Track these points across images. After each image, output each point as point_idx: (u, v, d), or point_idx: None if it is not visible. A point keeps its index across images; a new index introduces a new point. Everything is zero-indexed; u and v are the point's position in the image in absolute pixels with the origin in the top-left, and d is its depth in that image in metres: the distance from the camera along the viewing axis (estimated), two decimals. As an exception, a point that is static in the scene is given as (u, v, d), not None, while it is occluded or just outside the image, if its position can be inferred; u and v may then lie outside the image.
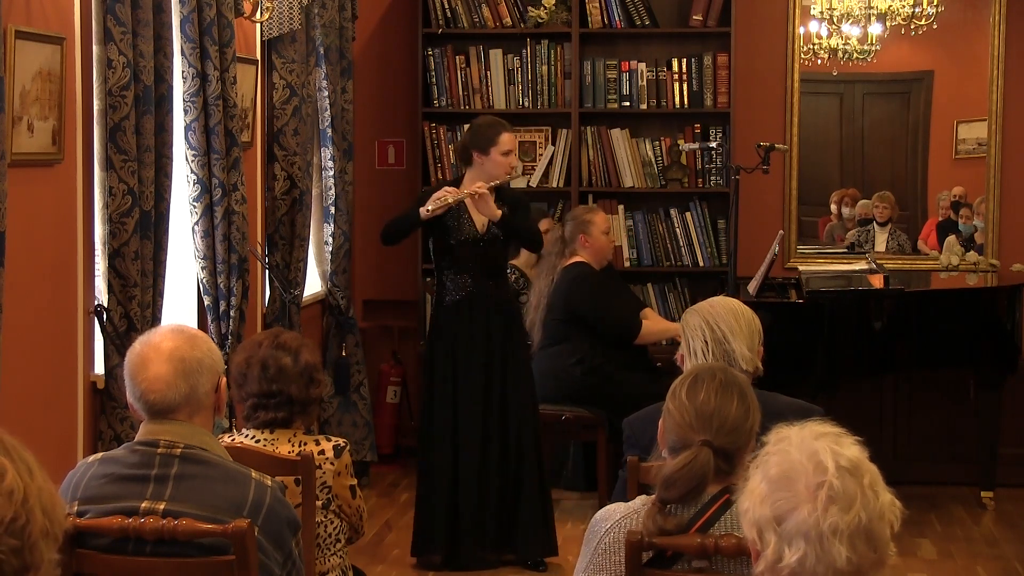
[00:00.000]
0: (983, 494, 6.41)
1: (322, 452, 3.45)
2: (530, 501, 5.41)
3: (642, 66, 6.95)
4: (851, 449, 1.85)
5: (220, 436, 3.32)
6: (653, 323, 6.31)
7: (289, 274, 5.85)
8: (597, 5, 6.90)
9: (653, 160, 7.00)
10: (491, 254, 5.38)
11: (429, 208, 5.22)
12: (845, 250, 7.20)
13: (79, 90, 4.12)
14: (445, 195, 5.23)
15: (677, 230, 7.01)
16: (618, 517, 2.59)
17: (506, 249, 5.54)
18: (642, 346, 6.32)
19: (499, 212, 5.26)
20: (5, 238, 3.47)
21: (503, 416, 5.38)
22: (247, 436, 3.48)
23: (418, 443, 5.57)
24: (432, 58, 6.98)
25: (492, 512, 5.37)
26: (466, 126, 5.69)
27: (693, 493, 2.52)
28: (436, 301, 5.49)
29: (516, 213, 5.37)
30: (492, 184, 5.29)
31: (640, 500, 2.61)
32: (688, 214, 6.99)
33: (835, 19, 6.98)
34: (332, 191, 6.37)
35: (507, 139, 5.33)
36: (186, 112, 4.70)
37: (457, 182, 5.43)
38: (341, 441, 3.52)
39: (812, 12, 7.00)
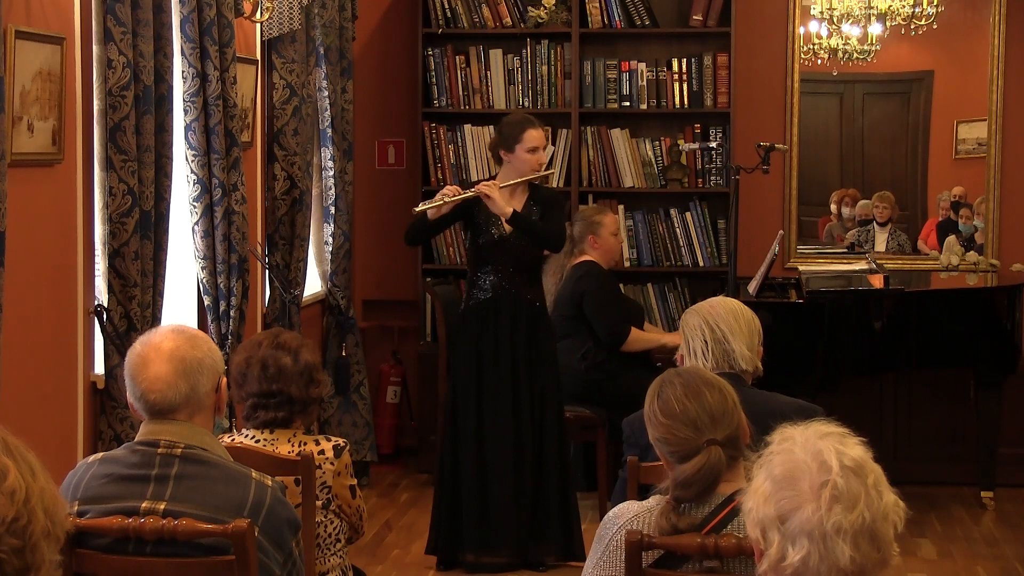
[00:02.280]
0: (983, 494, 6.41)
1: (322, 452, 3.45)
2: (548, 506, 5.39)
3: (642, 66, 6.95)
4: (855, 449, 1.85)
5: (220, 436, 3.32)
6: (641, 332, 6.29)
7: (289, 274, 5.85)
8: (597, 5, 6.90)
9: (653, 160, 7.00)
10: (518, 253, 5.34)
11: (418, 208, 5.24)
12: (845, 250, 7.20)
13: (79, 90, 4.12)
14: (444, 194, 5.21)
15: (677, 230, 7.01)
16: (631, 515, 2.60)
17: (534, 248, 5.46)
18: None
19: (509, 209, 5.22)
20: (5, 238, 3.46)
21: (531, 418, 5.35)
22: (247, 436, 3.48)
23: (442, 444, 5.54)
24: (432, 58, 6.98)
25: (526, 515, 5.34)
26: (488, 126, 5.66)
27: (708, 490, 2.55)
28: (464, 300, 5.47)
29: (548, 212, 5.34)
30: (515, 182, 5.27)
31: (654, 499, 2.63)
32: (688, 214, 6.99)
33: (835, 19, 6.98)
34: (332, 191, 6.37)
35: (532, 136, 5.29)
36: (186, 112, 4.69)
37: (491, 180, 5.43)
38: (341, 441, 3.51)
39: (812, 12, 7.00)
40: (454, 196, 5.20)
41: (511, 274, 5.33)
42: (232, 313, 4.91)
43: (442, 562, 5.39)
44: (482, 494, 5.33)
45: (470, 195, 5.22)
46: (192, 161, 4.74)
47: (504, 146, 5.33)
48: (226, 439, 3.41)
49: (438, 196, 5.25)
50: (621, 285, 6.89)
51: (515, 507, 5.33)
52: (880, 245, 7.13)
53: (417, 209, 5.22)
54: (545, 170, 5.46)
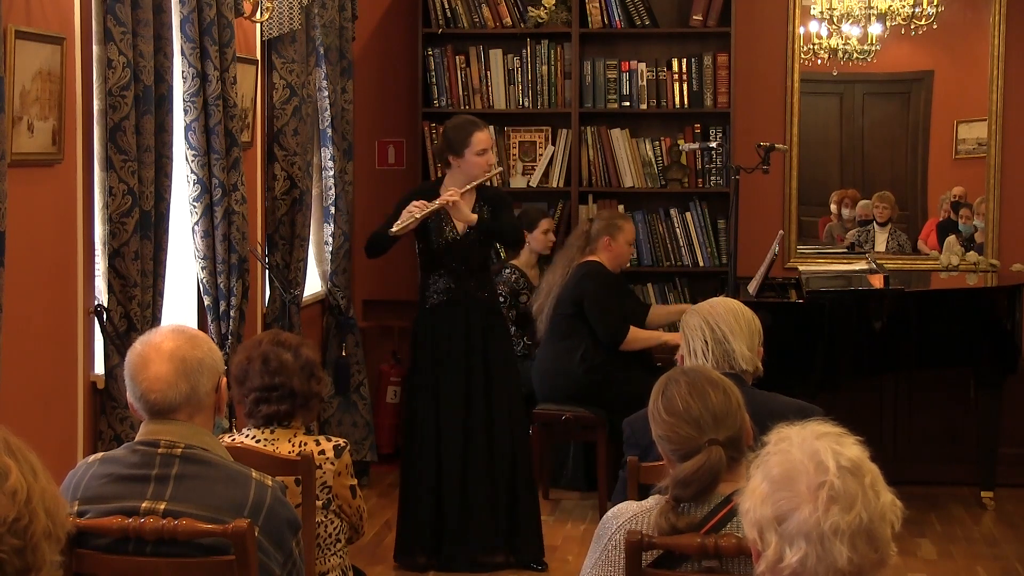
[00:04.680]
0: (983, 494, 6.41)
1: (322, 452, 3.45)
2: (527, 504, 5.41)
3: (642, 66, 6.95)
4: (852, 449, 1.85)
5: (220, 436, 3.33)
6: (639, 331, 6.28)
7: (289, 274, 5.85)
8: (597, 5, 6.90)
9: (653, 160, 7.00)
10: (472, 256, 5.33)
11: (393, 230, 5.19)
12: (845, 250, 7.20)
13: (79, 90, 4.12)
14: (412, 211, 5.17)
15: (677, 230, 7.01)
16: (629, 515, 2.61)
17: (487, 250, 5.51)
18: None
19: (474, 217, 5.23)
20: (5, 238, 3.46)
21: (488, 418, 5.36)
22: (247, 436, 3.48)
23: (402, 447, 5.55)
24: (432, 58, 6.98)
25: (480, 515, 5.35)
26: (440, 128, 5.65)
27: (706, 490, 2.56)
28: (419, 304, 5.47)
29: (498, 212, 5.34)
30: (469, 187, 5.26)
31: (653, 499, 2.63)
32: (688, 214, 7.00)
33: (835, 19, 6.99)
34: (332, 191, 6.37)
35: (480, 138, 5.27)
36: (186, 112, 4.70)
37: (437, 184, 5.42)
38: (341, 441, 3.52)
39: (812, 12, 7.00)
40: (423, 210, 5.18)
41: (464, 276, 5.34)
42: (232, 313, 4.91)
43: (429, 564, 5.39)
44: (439, 497, 5.34)
45: (436, 207, 5.20)
46: (192, 161, 4.74)
47: (452, 151, 5.31)
48: (226, 439, 3.42)
49: (405, 213, 5.20)
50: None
51: (469, 510, 5.34)
52: (880, 245, 7.13)
53: (394, 231, 5.20)
54: (494, 171, 5.41)
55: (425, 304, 5.40)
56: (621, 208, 6.99)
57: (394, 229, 5.19)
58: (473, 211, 5.30)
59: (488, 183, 5.39)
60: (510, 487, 5.37)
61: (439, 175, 6.95)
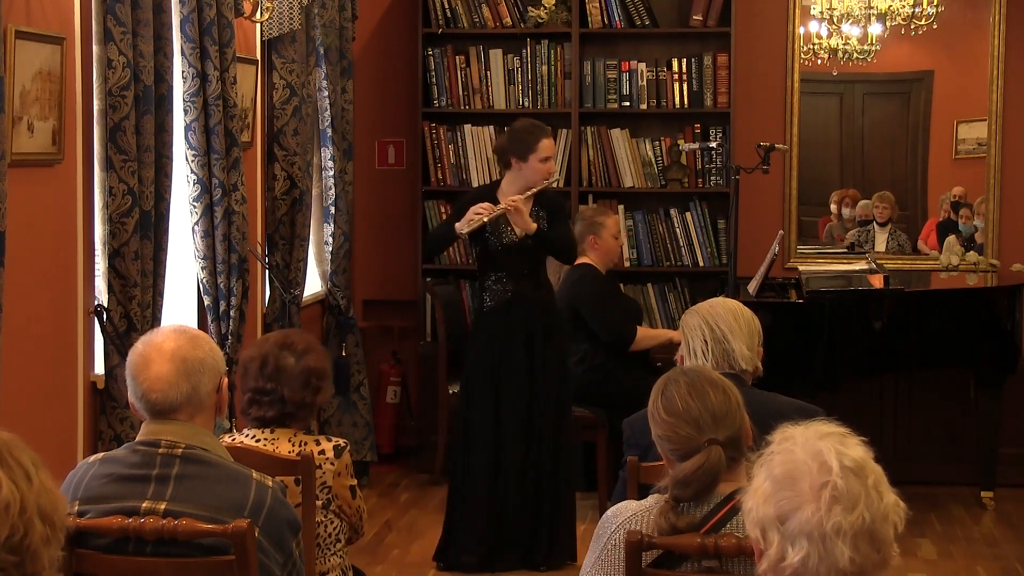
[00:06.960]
0: (983, 494, 6.41)
1: (322, 452, 3.45)
2: (568, 507, 5.42)
3: (642, 66, 6.95)
4: (856, 449, 1.85)
5: (221, 436, 3.32)
6: (647, 329, 6.29)
7: (289, 274, 5.85)
8: (597, 5, 6.90)
9: (653, 160, 7.00)
10: (531, 258, 5.35)
11: (464, 231, 5.20)
12: (845, 250, 7.20)
13: (79, 90, 4.12)
14: (479, 214, 5.18)
15: (677, 230, 7.01)
16: (629, 514, 2.61)
17: (544, 252, 5.49)
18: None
19: (534, 226, 5.24)
20: (5, 238, 3.46)
21: (542, 420, 5.36)
22: (247, 436, 3.48)
23: (451, 447, 5.52)
24: (432, 58, 6.98)
25: (532, 516, 5.34)
26: (506, 128, 5.64)
27: (706, 490, 2.55)
28: (477, 306, 5.48)
29: (555, 222, 5.36)
30: (529, 193, 5.27)
31: (652, 499, 2.63)
32: (688, 214, 6.99)
33: (835, 19, 6.98)
34: (332, 191, 6.37)
35: (546, 145, 5.29)
36: (186, 112, 4.69)
37: (495, 187, 5.42)
38: (341, 441, 3.52)
39: (812, 12, 7.00)
40: (491, 213, 5.19)
41: (523, 277, 5.35)
42: (232, 313, 4.91)
43: (446, 566, 5.38)
44: (497, 497, 5.33)
45: (501, 211, 5.21)
46: (192, 161, 4.74)
47: (516, 154, 5.30)
48: (226, 439, 3.41)
49: (471, 214, 5.20)
50: (621, 285, 6.90)
51: (527, 510, 5.34)
52: (880, 245, 7.13)
53: (464, 232, 5.19)
54: (553, 178, 5.45)
55: (484, 306, 5.41)
56: (621, 208, 6.98)
57: (465, 229, 5.18)
58: (529, 215, 5.31)
59: (547, 190, 5.39)
60: (553, 490, 5.36)
61: (438, 176, 6.98)
